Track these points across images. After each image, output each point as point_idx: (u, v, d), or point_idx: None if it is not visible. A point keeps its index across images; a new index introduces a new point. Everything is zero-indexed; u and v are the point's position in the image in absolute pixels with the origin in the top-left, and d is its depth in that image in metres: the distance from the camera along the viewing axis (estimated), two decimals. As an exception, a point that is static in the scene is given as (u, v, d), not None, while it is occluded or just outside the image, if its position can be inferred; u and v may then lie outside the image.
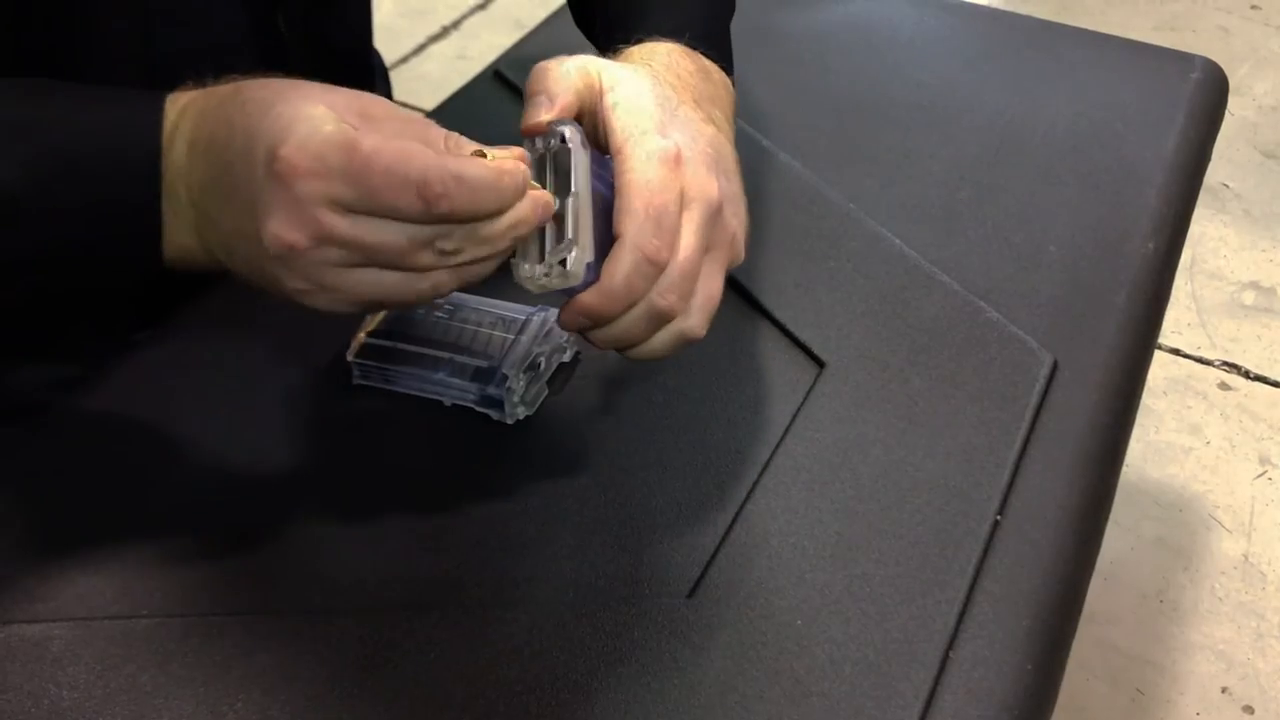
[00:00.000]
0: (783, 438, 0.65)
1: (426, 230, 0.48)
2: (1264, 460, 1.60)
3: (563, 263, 0.52)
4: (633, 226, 0.52)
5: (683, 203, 0.54)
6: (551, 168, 0.54)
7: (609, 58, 0.62)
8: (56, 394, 0.68)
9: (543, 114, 0.55)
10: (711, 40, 0.68)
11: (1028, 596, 0.58)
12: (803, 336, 0.71)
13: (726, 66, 0.68)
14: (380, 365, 0.65)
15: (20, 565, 0.58)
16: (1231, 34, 2.44)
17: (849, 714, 0.53)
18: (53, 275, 0.53)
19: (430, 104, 0.95)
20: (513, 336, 0.65)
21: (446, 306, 0.68)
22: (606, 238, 0.53)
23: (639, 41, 0.65)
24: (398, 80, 0.97)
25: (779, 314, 0.72)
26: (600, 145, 0.56)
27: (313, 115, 0.47)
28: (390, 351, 0.65)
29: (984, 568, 0.59)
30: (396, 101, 0.95)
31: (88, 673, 0.53)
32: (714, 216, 0.55)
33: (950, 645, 0.55)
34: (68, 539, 0.59)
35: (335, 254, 0.47)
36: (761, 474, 0.63)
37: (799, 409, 0.67)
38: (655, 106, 0.56)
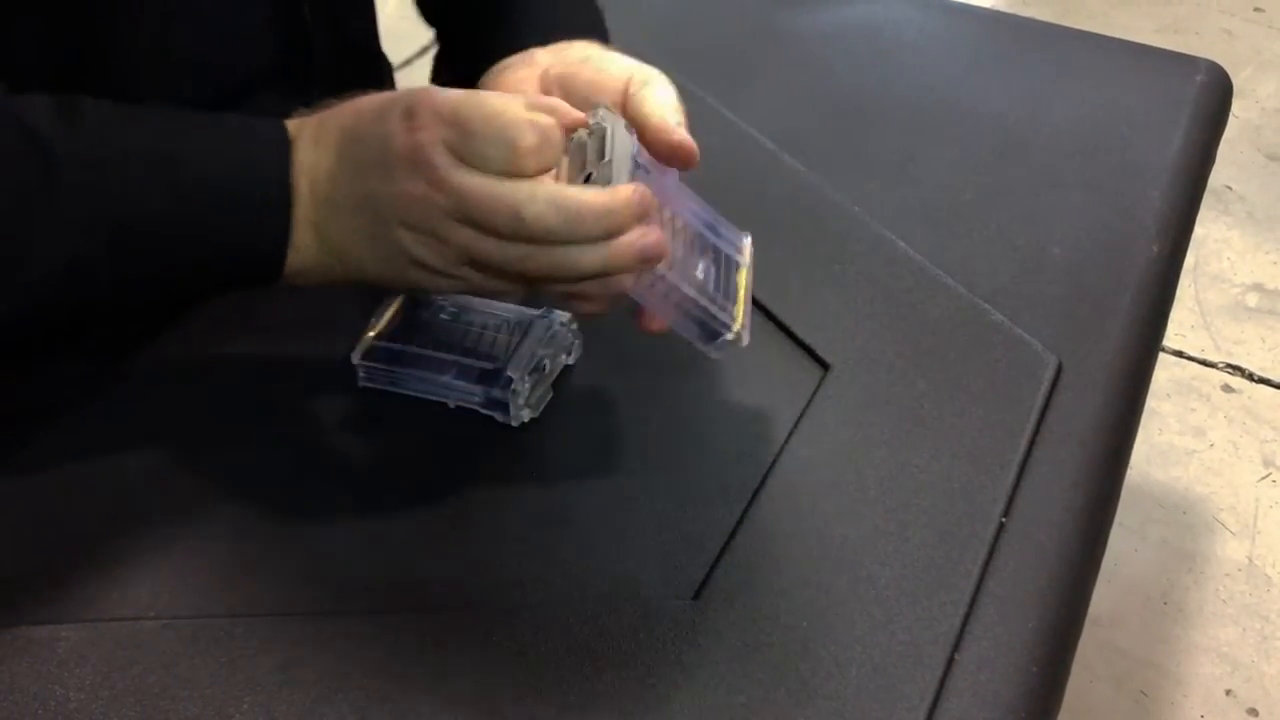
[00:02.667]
0: (787, 440, 0.65)
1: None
2: (1268, 462, 1.60)
3: None
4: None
5: None
6: (595, 149, 0.54)
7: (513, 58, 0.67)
8: (68, 393, 0.68)
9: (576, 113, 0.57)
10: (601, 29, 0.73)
11: (1033, 598, 0.58)
12: (807, 339, 0.71)
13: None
14: (386, 368, 0.66)
15: (27, 566, 0.58)
16: (1235, 36, 2.44)
17: (855, 716, 0.53)
18: (181, 292, 0.59)
19: (435, 107, 0.95)
20: (517, 339, 0.66)
21: (451, 309, 0.68)
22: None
23: (556, 41, 0.67)
24: (401, 83, 0.97)
25: (783, 316, 0.72)
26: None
27: (439, 88, 0.54)
28: (396, 354, 0.66)
29: (989, 570, 0.59)
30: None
31: (94, 674, 0.53)
32: None
33: (955, 647, 0.55)
34: (74, 540, 0.59)
35: (444, 201, 0.53)
36: (766, 476, 0.63)
37: (804, 411, 0.67)
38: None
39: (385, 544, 0.60)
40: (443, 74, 0.79)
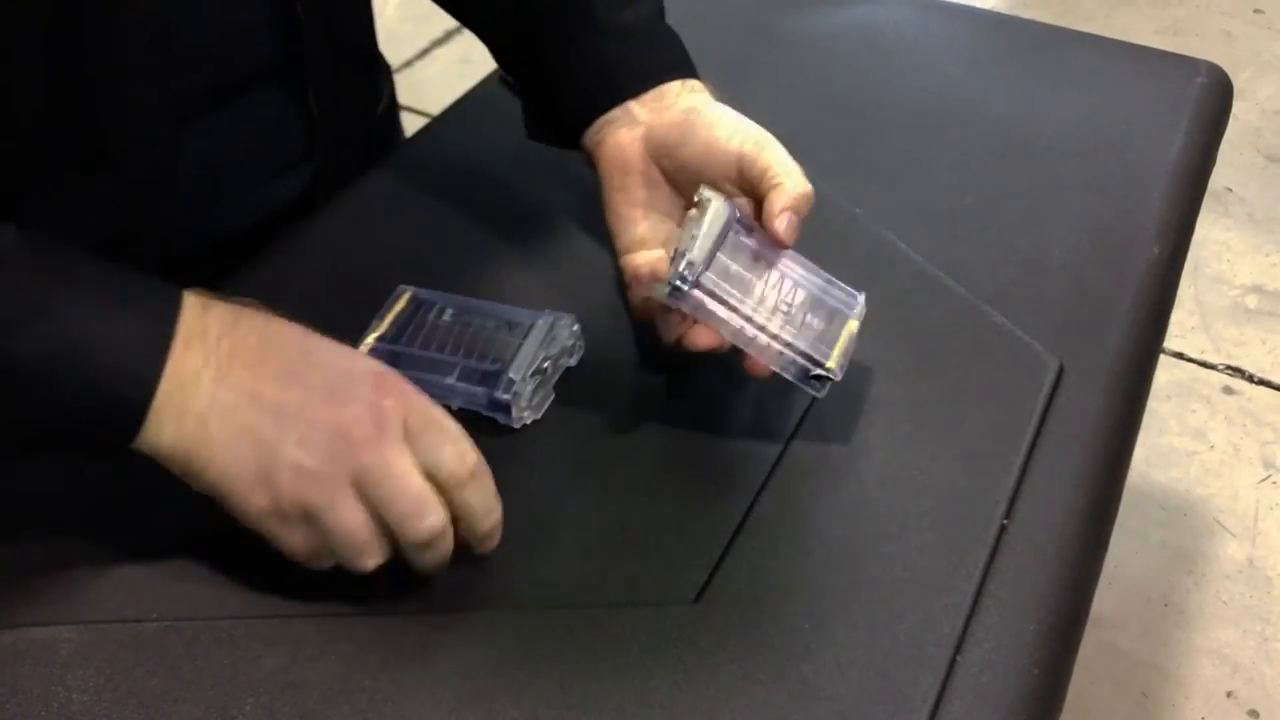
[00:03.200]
0: (789, 442, 0.65)
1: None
2: (1268, 464, 1.60)
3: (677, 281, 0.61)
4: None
5: None
6: (694, 225, 0.63)
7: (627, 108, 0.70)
8: None
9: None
10: (688, 63, 0.74)
11: (1035, 601, 0.58)
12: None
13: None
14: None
15: (30, 568, 0.58)
16: (1235, 38, 2.44)
17: (856, 718, 0.53)
18: (36, 434, 0.56)
19: (434, 108, 0.95)
20: (519, 340, 0.66)
21: (452, 310, 0.68)
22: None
23: (650, 88, 0.70)
24: (401, 84, 0.97)
25: (785, 318, 0.72)
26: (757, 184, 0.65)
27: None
28: (397, 355, 0.66)
29: (990, 572, 0.59)
30: (400, 106, 0.96)
31: (97, 676, 0.53)
32: None
33: (958, 649, 0.55)
34: (76, 542, 0.59)
35: (367, 461, 0.53)
36: (768, 478, 0.63)
37: (805, 413, 0.67)
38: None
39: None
40: (534, 128, 0.78)
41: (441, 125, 0.90)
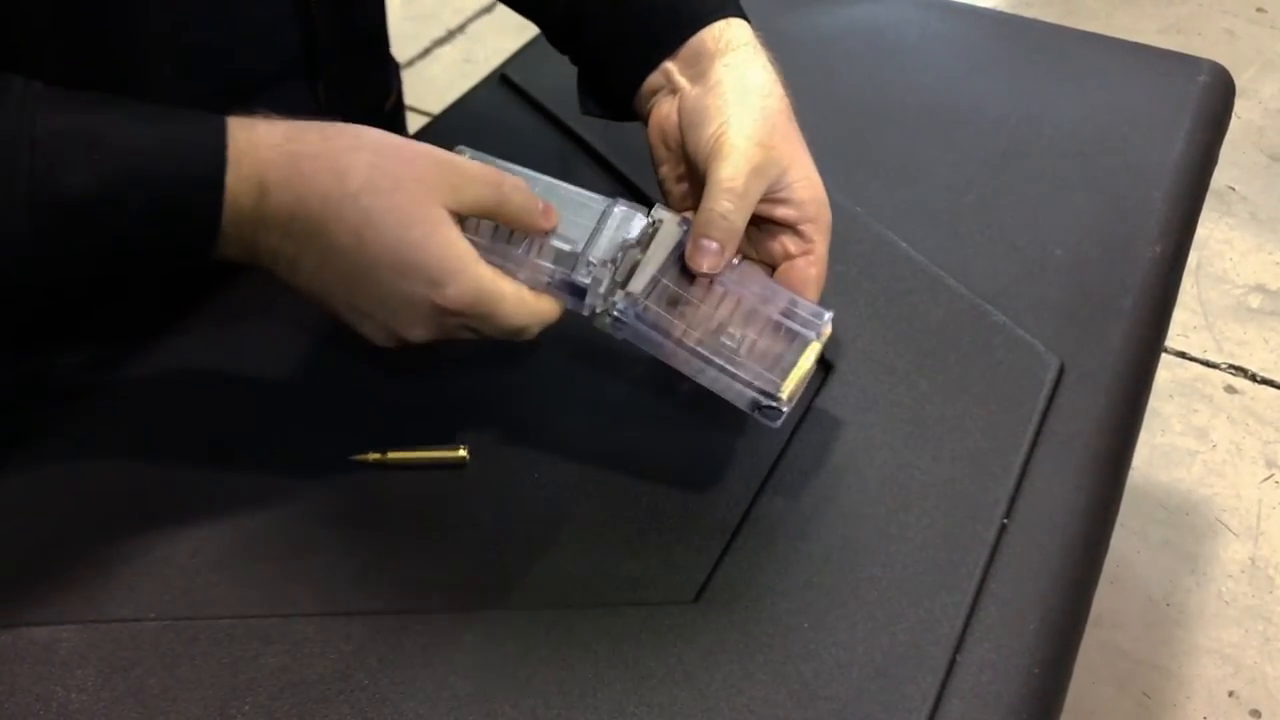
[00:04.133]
0: (789, 441, 0.65)
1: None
2: (1270, 463, 1.60)
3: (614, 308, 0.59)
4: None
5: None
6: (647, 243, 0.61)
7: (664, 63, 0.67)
8: (84, 376, 0.68)
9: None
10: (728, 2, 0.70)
11: (1035, 600, 0.58)
12: (809, 340, 0.71)
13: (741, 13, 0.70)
14: None
15: (28, 567, 0.58)
16: (1237, 37, 2.44)
17: (856, 717, 0.53)
18: (114, 269, 0.57)
19: (436, 107, 0.95)
20: (594, 225, 0.61)
21: (538, 186, 0.62)
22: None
23: (687, 40, 0.67)
24: (407, 80, 0.97)
25: (785, 317, 0.72)
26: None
27: (463, 255, 0.56)
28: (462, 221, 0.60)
29: (991, 571, 0.59)
30: (404, 105, 0.96)
31: (95, 675, 0.53)
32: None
33: (957, 649, 0.55)
34: (75, 541, 0.59)
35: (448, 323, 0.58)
36: (768, 477, 0.63)
37: (806, 412, 0.67)
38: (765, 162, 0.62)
39: (385, 545, 0.60)
40: (588, 102, 0.75)
41: (443, 124, 0.90)
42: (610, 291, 0.60)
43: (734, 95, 0.64)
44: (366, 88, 0.85)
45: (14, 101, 0.52)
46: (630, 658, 0.55)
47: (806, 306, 0.61)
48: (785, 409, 0.58)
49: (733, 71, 0.65)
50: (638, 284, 0.59)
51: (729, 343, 0.59)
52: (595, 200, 0.61)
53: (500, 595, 0.58)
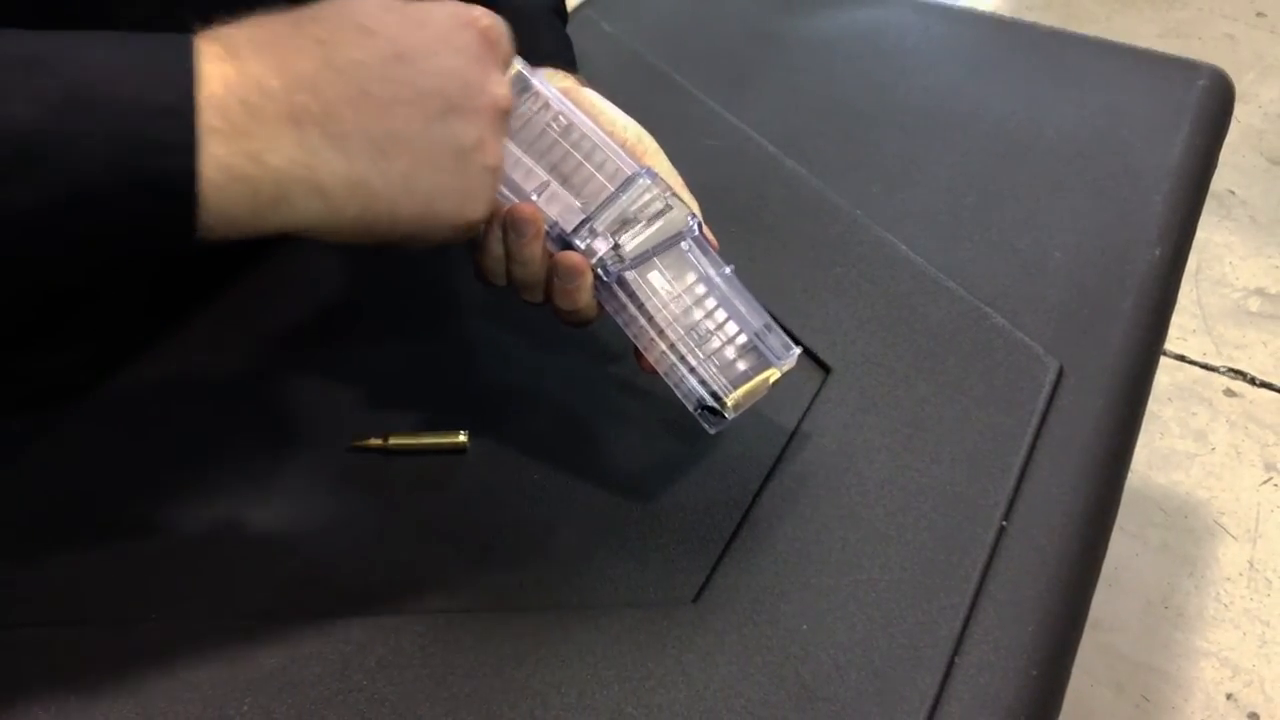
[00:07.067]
0: (788, 443, 0.65)
1: None
2: (1269, 467, 1.60)
3: None
4: None
5: None
6: None
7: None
8: (75, 375, 0.68)
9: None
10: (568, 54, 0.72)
11: (1033, 602, 0.58)
12: (808, 342, 0.71)
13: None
14: None
15: (25, 568, 0.58)
16: (1237, 41, 2.44)
17: (855, 719, 0.53)
18: (81, 224, 0.45)
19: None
20: (612, 191, 0.60)
21: (562, 120, 0.60)
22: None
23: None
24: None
25: (785, 320, 0.72)
26: None
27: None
28: None
29: (989, 574, 0.59)
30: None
31: (94, 675, 0.53)
32: None
33: (956, 651, 0.55)
34: (74, 542, 0.59)
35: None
36: (767, 479, 0.63)
37: (805, 414, 0.67)
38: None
39: (385, 545, 0.60)
40: None
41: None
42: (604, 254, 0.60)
43: (597, 96, 0.65)
44: None
45: None
46: (629, 659, 0.55)
47: (780, 336, 0.61)
48: (729, 416, 0.59)
49: (576, 85, 0.68)
50: (630, 248, 0.59)
51: (694, 341, 0.60)
52: (627, 165, 0.60)
53: (499, 596, 0.58)
